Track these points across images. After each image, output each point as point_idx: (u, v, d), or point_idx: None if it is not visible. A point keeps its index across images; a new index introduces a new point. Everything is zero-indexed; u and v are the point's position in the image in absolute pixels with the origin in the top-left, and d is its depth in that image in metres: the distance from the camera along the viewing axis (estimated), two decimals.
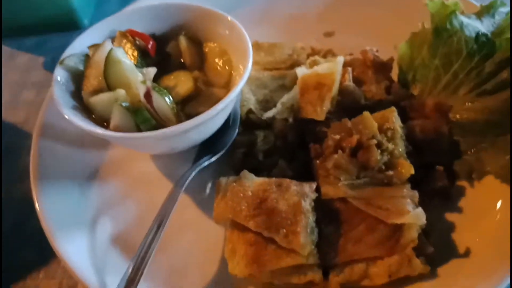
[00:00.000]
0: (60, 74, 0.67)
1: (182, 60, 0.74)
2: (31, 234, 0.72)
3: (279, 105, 0.72)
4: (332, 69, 0.72)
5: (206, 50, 0.75)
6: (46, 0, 0.98)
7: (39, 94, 0.91)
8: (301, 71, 0.74)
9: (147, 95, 0.64)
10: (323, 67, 0.74)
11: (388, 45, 0.79)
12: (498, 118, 0.68)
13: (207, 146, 0.72)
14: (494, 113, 0.68)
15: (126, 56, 0.66)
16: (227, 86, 0.72)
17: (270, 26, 0.92)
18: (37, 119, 0.83)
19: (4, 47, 1.02)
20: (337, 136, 0.64)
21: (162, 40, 0.76)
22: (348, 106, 0.71)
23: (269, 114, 0.72)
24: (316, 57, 0.80)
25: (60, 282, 0.66)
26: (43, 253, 0.69)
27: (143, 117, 0.62)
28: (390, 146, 0.64)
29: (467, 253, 0.59)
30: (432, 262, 0.58)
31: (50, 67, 0.96)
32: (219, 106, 0.62)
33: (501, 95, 0.68)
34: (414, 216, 0.57)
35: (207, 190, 0.72)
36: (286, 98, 0.72)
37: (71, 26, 1.02)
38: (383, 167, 0.63)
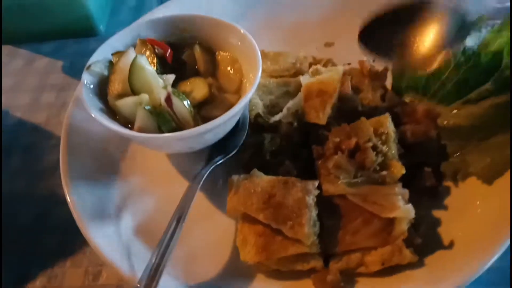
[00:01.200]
0: (87, 79, 0.73)
1: (196, 68, 0.81)
2: (55, 226, 0.78)
3: (285, 110, 0.79)
4: (333, 77, 0.79)
5: (219, 58, 0.82)
6: (64, 7, 1.04)
7: (58, 96, 0.97)
8: (305, 79, 0.81)
9: (168, 99, 0.70)
10: (325, 75, 0.81)
11: None
12: (481, 124, 0.75)
13: (218, 147, 0.79)
14: (477, 119, 0.76)
15: (148, 63, 0.73)
16: (238, 92, 0.79)
17: (273, 35, 0.98)
18: (60, 120, 0.91)
19: (23, 51, 1.08)
20: (337, 139, 0.72)
21: (178, 48, 0.82)
22: (346, 111, 0.79)
23: (276, 118, 0.79)
24: (318, 66, 0.87)
25: (85, 270, 0.72)
26: (68, 243, 0.76)
27: (164, 120, 0.69)
28: (384, 148, 0.71)
29: (451, 245, 0.66)
30: (420, 252, 0.65)
31: (68, 71, 1.02)
32: (233, 111, 0.69)
33: (484, 103, 0.76)
34: (405, 211, 0.64)
35: (218, 187, 0.78)
36: (291, 103, 0.79)
37: (88, 33, 1.08)
38: (378, 168, 0.70)
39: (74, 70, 1.02)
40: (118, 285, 0.70)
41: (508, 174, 0.69)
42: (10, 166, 0.86)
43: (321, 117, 0.75)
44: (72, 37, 1.09)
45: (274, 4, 1.02)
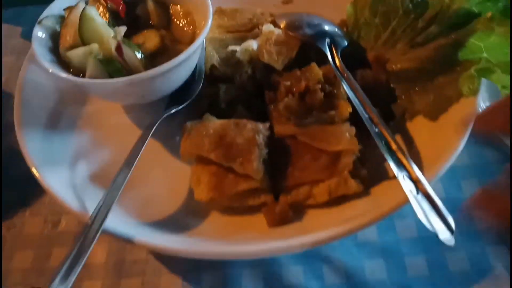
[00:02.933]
0: (39, 33, 0.74)
1: (150, 22, 0.82)
2: (14, 179, 0.79)
3: (241, 47, 0.81)
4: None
5: (172, 11, 0.83)
6: None
7: (18, 59, 0.98)
8: (267, 27, 0.83)
9: (118, 48, 0.72)
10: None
11: (343, 9, 0.88)
12: (427, 66, 0.78)
13: (174, 99, 0.80)
14: (423, 62, 0.78)
15: (98, 15, 0.74)
16: (192, 42, 0.80)
17: None
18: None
19: None
20: (288, 83, 0.74)
21: (131, 3, 0.83)
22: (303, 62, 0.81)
23: (235, 50, 0.82)
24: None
25: (44, 219, 0.74)
26: (26, 196, 0.77)
27: (115, 67, 0.71)
28: (332, 89, 0.74)
29: (394, 176, 0.69)
30: (365, 183, 0.68)
31: (27, 36, 1.02)
32: (182, 56, 0.71)
33: (430, 45, 0.78)
34: (350, 143, 0.67)
35: (176, 138, 0.80)
36: (248, 43, 0.81)
37: None
38: (326, 109, 0.73)
39: None
40: (77, 231, 0.72)
41: (451, 110, 0.72)
42: None
43: (278, 62, 0.77)
44: (30, 4, 1.08)
45: None
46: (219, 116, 0.76)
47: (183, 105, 0.78)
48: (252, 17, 0.95)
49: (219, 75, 0.84)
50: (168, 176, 0.74)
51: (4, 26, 1.05)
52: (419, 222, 0.56)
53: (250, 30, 0.93)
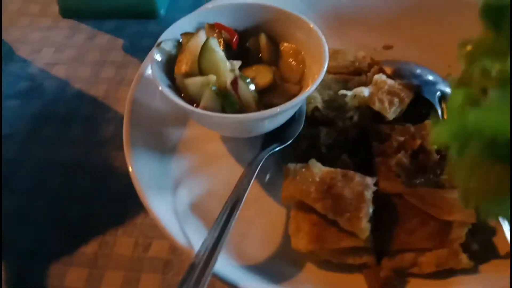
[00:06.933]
0: (157, 55, 0.75)
1: (260, 56, 0.82)
2: (108, 195, 0.80)
3: (353, 92, 0.79)
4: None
5: (282, 49, 0.83)
6: None
7: (118, 72, 1.00)
8: (379, 77, 0.81)
9: (234, 82, 0.72)
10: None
11: (444, 62, 0.85)
12: None
13: (273, 136, 0.79)
14: None
15: (219, 46, 0.74)
16: (300, 83, 0.80)
17: (334, 32, 0.98)
18: (117, 95, 0.93)
19: (84, 26, 1.11)
20: (401, 138, 0.71)
21: (242, 36, 0.83)
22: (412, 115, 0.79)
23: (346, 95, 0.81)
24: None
25: (136, 241, 0.74)
26: (120, 213, 0.77)
27: (229, 102, 0.70)
28: (445, 152, 0.71)
29: (507, 255, 0.65)
30: (475, 259, 0.64)
31: (127, 50, 1.05)
32: (296, 101, 0.70)
33: None
34: (465, 215, 0.64)
35: (271, 175, 0.79)
36: (360, 89, 0.79)
37: (148, 15, 1.11)
38: (439, 172, 0.70)
39: (133, 49, 1.05)
40: (167, 259, 0.72)
41: None
42: (71, 135, 0.89)
43: (390, 112, 0.75)
44: (132, 18, 1.11)
45: (337, 3, 1.02)
46: (318, 160, 0.75)
47: (285, 145, 0.77)
48: (354, 60, 0.93)
49: (320, 117, 0.83)
50: (264, 217, 0.73)
51: (105, 36, 1.08)
52: None
53: (352, 73, 0.92)
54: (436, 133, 0.34)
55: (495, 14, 0.28)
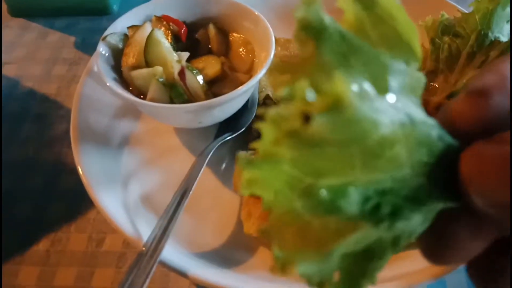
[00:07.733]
0: (102, 49, 0.74)
1: (209, 47, 0.83)
2: (60, 192, 0.79)
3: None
4: None
5: (231, 39, 0.84)
6: None
7: (70, 70, 0.98)
8: None
9: (181, 73, 0.72)
10: None
11: None
12: None
13: (226, 126, 0.80)
14: None
15: (165, 38, 0.74)
16: (249, 72, 0.81)
17: (285, 24, 0.99)
18: (70, 92, 0.92)
19: (35, 25, 1.09)
20: None
21: (191, 28, 0.84)
22: None
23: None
24: None
25: (89, 236, 0.73)
26: (72, 210, 0.77)
27: (177, 92, 0.71)
28: None
29: None
30: None
31: (80, 47, 1.03)
32: (243, 88, 0.71)
33: None
34: None
35: (223, 164, 0.80)
36: None
37: (101, 11, 1.09)
38: None
39: (86, 46, 1.03)
40: (121, 252, 0.71)
41: None
42: (22, 133, 0.87)
43: None
44: (85, 15, 1.10)
45: None
46: None
47: (237, 133, 0.78)
48: None
49: (272, 105, 0.84)
50: (216, 205, 0.73)
51: (56, 34, 1.07)
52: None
53: None
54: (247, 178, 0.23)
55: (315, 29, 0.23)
